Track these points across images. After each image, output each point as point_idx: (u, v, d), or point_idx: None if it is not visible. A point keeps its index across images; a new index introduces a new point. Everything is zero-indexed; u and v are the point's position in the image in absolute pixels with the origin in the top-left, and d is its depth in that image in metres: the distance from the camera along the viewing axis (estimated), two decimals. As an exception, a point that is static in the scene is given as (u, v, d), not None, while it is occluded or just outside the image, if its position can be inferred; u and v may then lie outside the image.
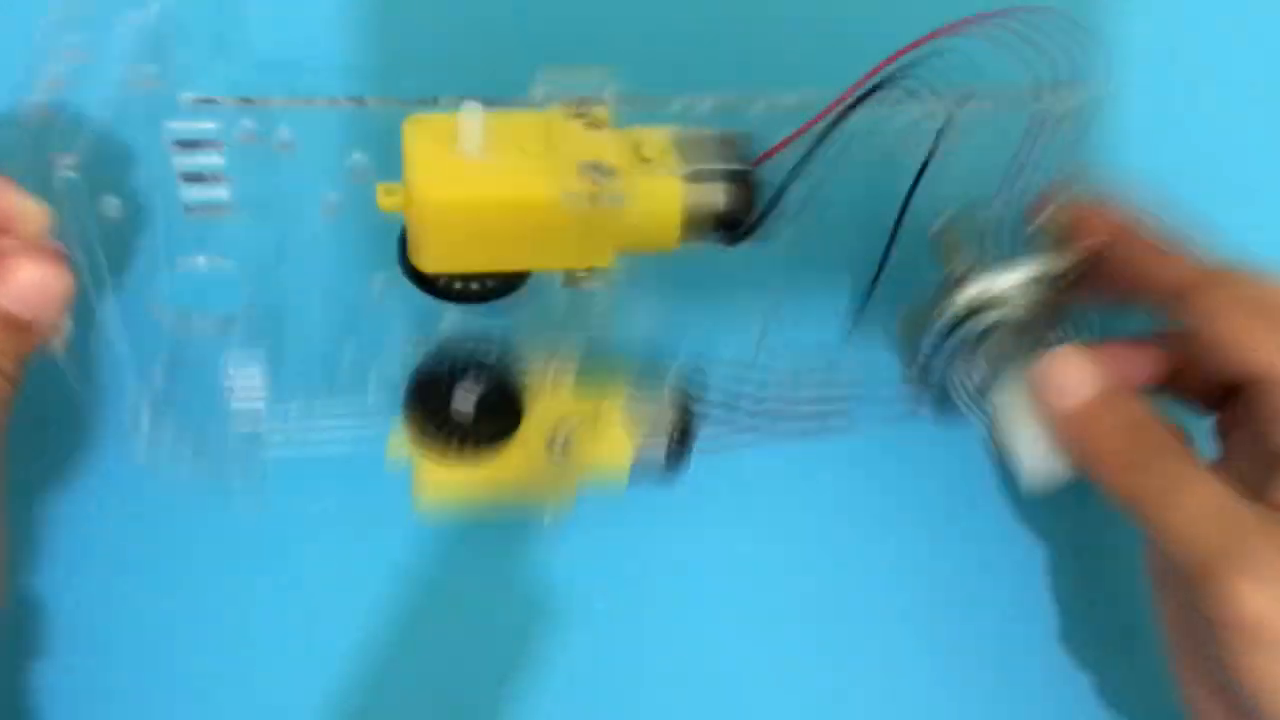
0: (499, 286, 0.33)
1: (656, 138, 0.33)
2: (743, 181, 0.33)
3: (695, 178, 0.33)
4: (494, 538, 0.38)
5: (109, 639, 0.37)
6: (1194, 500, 0.31)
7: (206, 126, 0.33)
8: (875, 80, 0.33)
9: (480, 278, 0.33)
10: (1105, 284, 0.36)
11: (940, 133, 0.34)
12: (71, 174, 0.32)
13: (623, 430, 0.36)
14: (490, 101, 0.31)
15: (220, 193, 0.34)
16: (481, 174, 0.31)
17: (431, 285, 0.33)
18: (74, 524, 0.37)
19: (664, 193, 0.32)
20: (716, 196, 0.33)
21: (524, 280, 0.33)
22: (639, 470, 0.36)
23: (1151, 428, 0.33)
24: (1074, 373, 0.34)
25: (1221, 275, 0.33)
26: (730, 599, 0.39)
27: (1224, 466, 0.34)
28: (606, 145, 0.32)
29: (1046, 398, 0.34)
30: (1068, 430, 0.34)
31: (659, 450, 0.36)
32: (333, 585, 0.38)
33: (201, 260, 0.36)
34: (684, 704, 0.39)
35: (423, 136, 0.31)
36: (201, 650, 0.37)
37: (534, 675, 0.39)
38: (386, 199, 0.32)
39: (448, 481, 0.35)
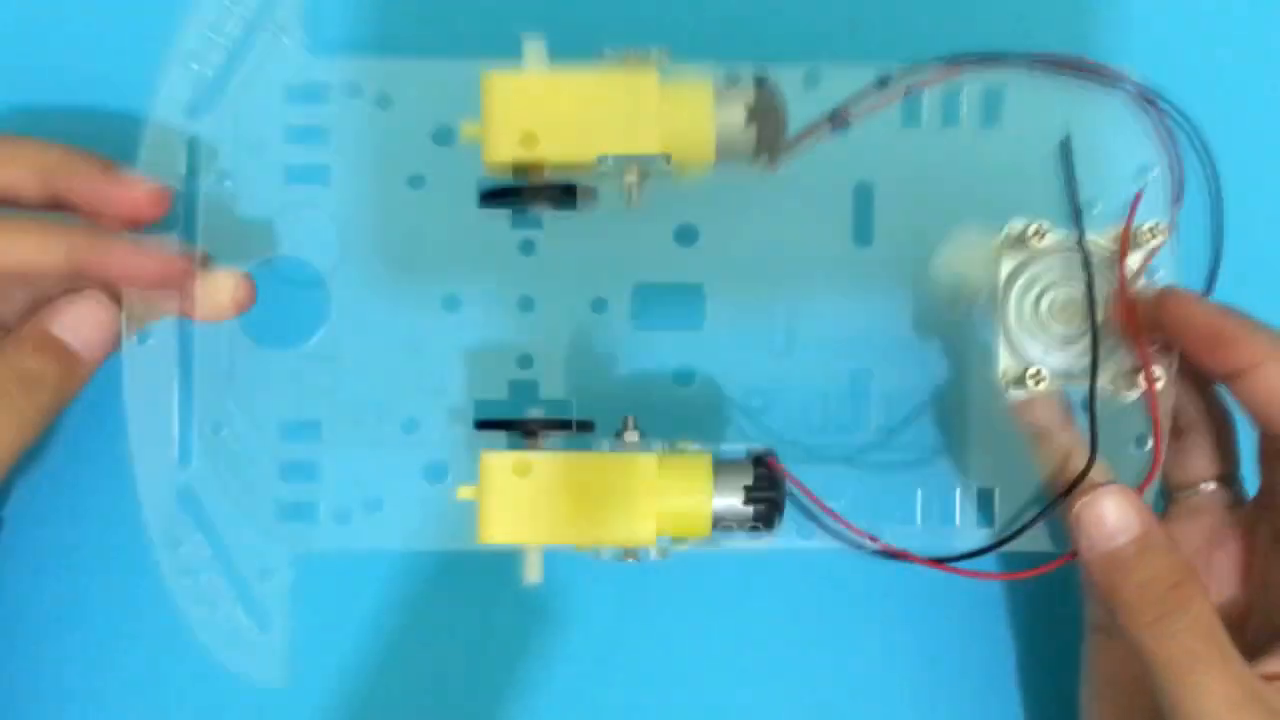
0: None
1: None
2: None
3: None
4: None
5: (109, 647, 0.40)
6: (1217, 682, 0.31)
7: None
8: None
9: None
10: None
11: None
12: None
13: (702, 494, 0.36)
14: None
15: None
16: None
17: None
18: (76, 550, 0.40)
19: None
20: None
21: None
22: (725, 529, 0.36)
23: (1182, 588, 0.33)
24: (1112, 516, 0.34)
25: None
26: (730, 600, 0.41)
27: (1261, 509, 0.36)
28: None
29: (1082, 535, 0.34)
30: (1100, 572, 0.34)
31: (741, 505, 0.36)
32: (331, 588, 0.40)
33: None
34: (684, 706, 0.41)
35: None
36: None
37: (533, 677, 0.40)
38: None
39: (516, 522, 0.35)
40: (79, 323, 0.35)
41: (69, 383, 0.35)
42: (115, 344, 0.36)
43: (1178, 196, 0.36)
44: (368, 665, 0.40)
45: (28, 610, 0.40)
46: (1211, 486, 0.36)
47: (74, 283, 0.35)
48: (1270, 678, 0.32)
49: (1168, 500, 0.37)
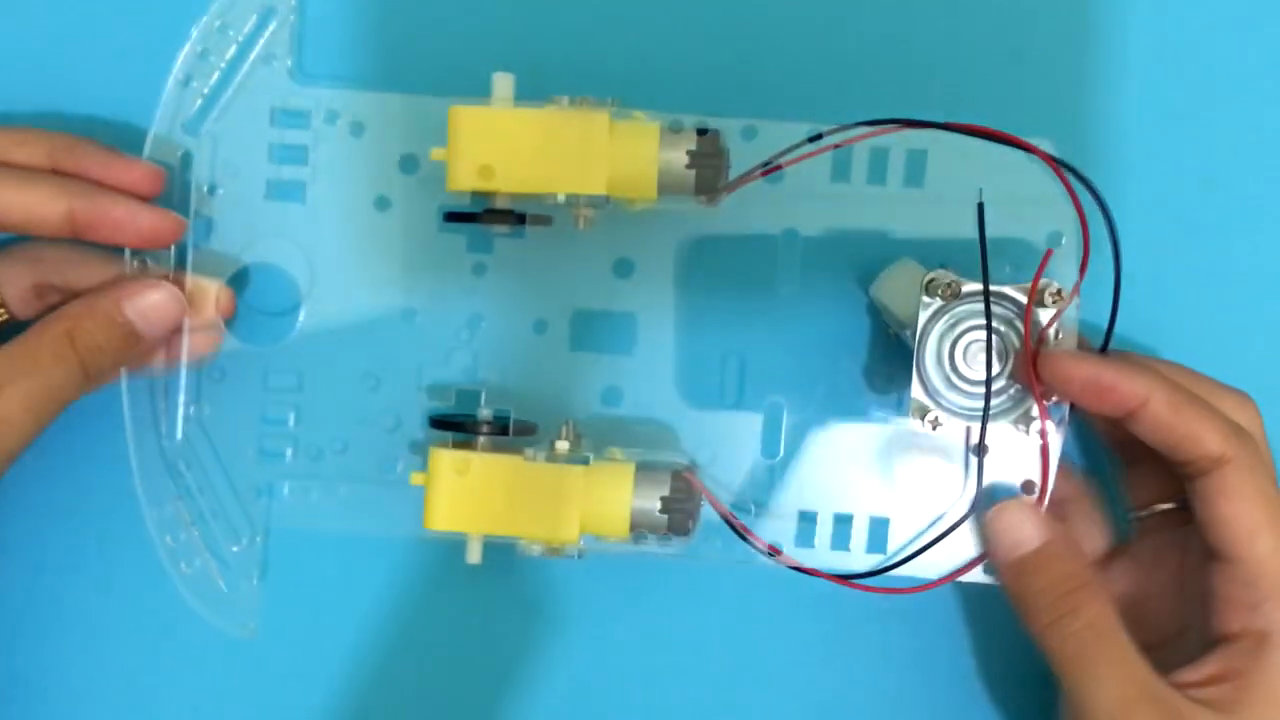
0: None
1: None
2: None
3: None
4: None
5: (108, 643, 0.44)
6: (1110, 680, 0.34)
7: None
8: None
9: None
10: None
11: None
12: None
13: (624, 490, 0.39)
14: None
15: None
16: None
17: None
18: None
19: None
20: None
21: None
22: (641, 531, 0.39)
23: (1078, 593, 0.35)
24: (1018, 527, 0.36)
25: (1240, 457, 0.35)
26: (728, 603, 0.43)
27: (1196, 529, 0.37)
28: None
29: (992, 544, 0.37)
30: (1007, 577, 0.37)
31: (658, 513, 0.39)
32: (332, 587, 0.43)
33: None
34: (680, 706, 0.43)
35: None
36: (211, 652, 0.43)
37: (533, 677, 0.43)
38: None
39: (457, 512, 0.39)
40: (150, 309, 0.38)
41: (124, 359, 0.38)
42: (170, 336, 0.40)
43: (1084, 262, 0.39)
44: (343, 642, 0.44)
45: (27, 556, 0.44)
46: (1163, 507, 0.39)
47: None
48: (1190, 684, 0.34)
49: (1129, 521, 0.40)
